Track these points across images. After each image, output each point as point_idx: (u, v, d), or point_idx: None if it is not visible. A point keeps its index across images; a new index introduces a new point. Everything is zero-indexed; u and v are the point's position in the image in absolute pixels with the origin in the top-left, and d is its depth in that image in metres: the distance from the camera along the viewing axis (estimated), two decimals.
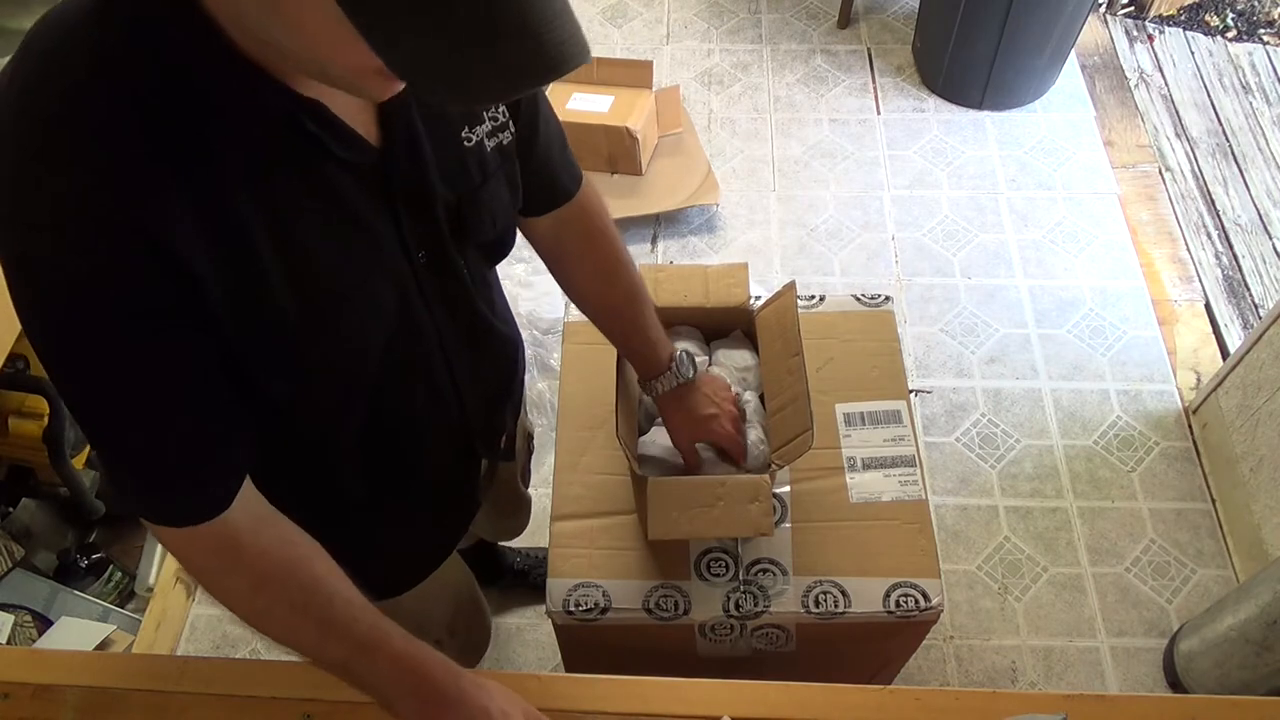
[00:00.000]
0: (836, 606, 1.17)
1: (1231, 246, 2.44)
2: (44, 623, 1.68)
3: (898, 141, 2.67)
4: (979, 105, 2.72)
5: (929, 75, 2.78)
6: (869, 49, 2.92)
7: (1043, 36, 2.51)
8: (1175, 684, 1.72)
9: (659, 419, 1.29)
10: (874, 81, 2.83)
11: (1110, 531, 1.95)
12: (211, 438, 0.72)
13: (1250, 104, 2.77)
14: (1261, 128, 2.71)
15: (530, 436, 1.43)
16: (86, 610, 1.75)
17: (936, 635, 1.82)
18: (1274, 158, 2.64)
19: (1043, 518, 1.97)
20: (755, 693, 0.95)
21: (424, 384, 0.90)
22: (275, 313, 0.69)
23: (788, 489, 1.26)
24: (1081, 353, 2.22)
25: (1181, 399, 2.14)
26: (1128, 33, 2.97)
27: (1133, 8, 3.01)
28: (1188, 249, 2.42)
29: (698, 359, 1.31)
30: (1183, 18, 3.01)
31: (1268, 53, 2.91)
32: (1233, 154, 2.65)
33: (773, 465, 1.13)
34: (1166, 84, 2.83)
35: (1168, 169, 2.61)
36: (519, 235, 0.98)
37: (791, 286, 1.25)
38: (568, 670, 1.35)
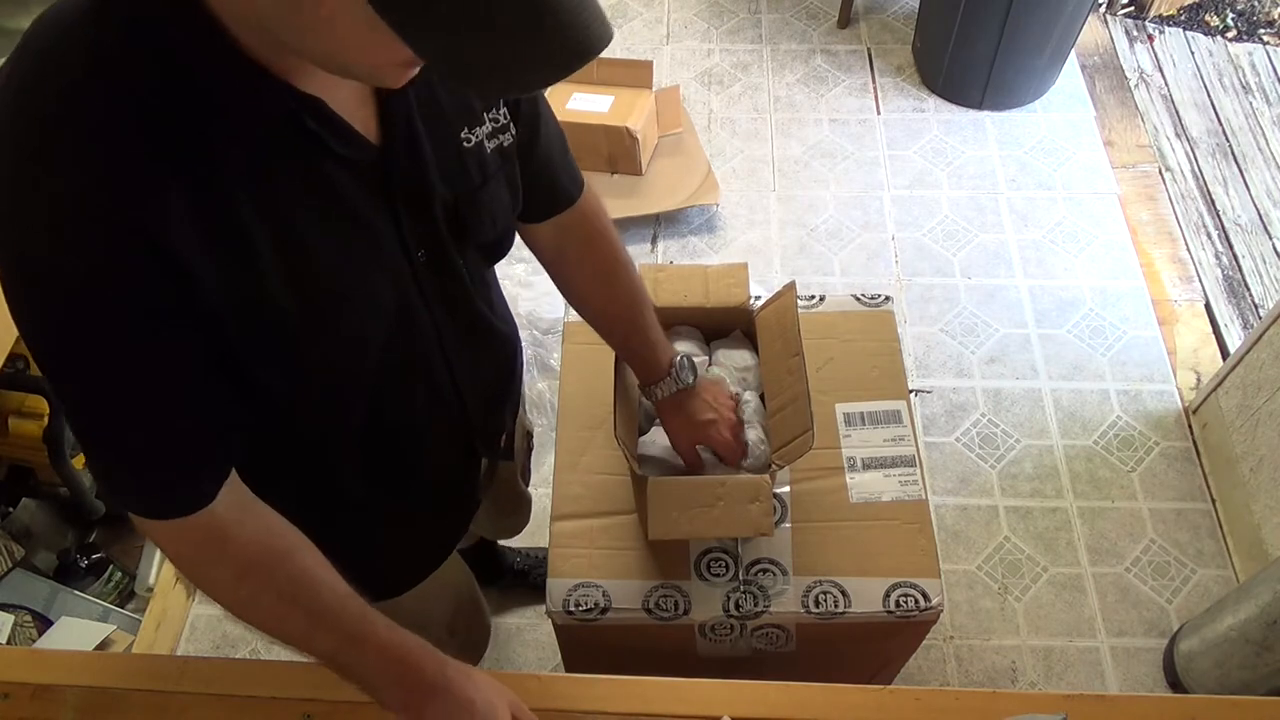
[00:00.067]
0: (836, 606, 1.17)
1: (1231, 246, 2.44)
2: (44, 623, 1.68)
3: (898, 141, 2.67)
4: (979, 105, 2.72)
5: (929, 75, 2.78)
6: (869, 49, 2.92)
7: (1043, 36, 2.51)
8: (1175, 684, 1.72)
9: (659, 419, 1.29)
10: (874, 81, 2.83)
11: (1110, 531, 1.95)
12: (204, 435, 0.72)
13: (1250, 104, 2.77)
14: (1261, 128, 2.71)
15: (529, 435, 1.43)
16: (86, 610, 1.75)
17: (936, 635, 1.82)
18: (1274, 158, 2.64)
19: (1043, 518, 1.97)
20: (755, 693, 0.95)
21: (424, 383, 0.90)
22: (275, 312, 0.69)
23: (788, 489, 1.26)
24: (1081, 353, 2.22)
25: (1181, 399, 2.14)
26: (1128, 33, 2.97)
27: (1133, 8, 3.01)
28: (1188, 249, 2.42)
29: (698, 359, 1.31)
30: (1183, 18, 3.01)
31: (1268, 53, 2.91)
32: (1233, 154, 2.65)
33: (773, 465, 1.13)
34: (1166, 84, 2.83)
35: (1168, 169, 2.61)
36: (517, 238, 0.98)
37: (791, 287, 1.25)
38: (568, 670, 1.35)
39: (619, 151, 2.43)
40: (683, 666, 1.03)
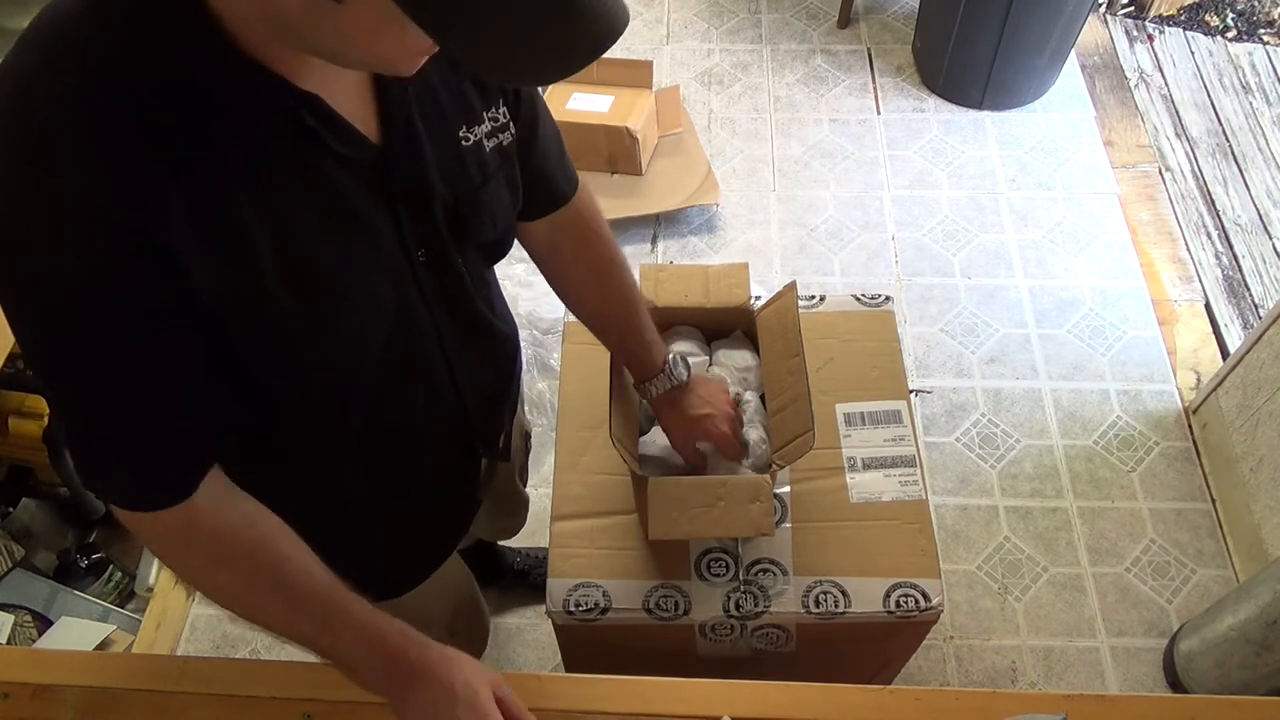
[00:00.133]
0: (836, 606, 1.17)
1: (1231, 246, 2.44)
2: (44, 623, 1.68)
3: (898, 141, 2.67)
4: (979, 105, 2.72)
5: (929, 75, 2.78)
6: (869, 49, 2.92)
7: (1043, 36, 2.51)
8: (1175, 684, 1.72)
9: (656, 418, 1.29)
10: (874, 81, 2.83)
11: (1110, 531, 1.95)
12: (196, 433, 0.73)
13: (1250, 104, 2.77)
14: (1261, 128, 2.71)
15: (527, 435, 1.43)
16: (86, 610, 1.75)
17: (936, 635, 1.82)
18: (1274, 158, 2.64)
19: (1043, 518, 1.97)
20: (755, 693, 0.95)
21: (424, 383, 0.90)
22: (275, 312, 0.69)
23: (788, 489, 1.26)
24: (1081, 353, 2.22)
25: (1181, 399, 2.14)
26: (1128, 33, 2.97)
27: (1133, 8, 3.01)
28: (1188, 249, 2.42)
29: (698, 359, 1.31)
30: (1183, 18, 3.01)
31: (1268, 53, 2.91)
32: (1233, 154, 2.65)
33: (774, 465, 1.13)
34: (1166, 84, 2.83)
35: (1168, 169, 2.61)
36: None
37: (792, 287, 1.25)
38: (568, 670, 1.35)
39: (619, 151, 2.43)
40: (683, 666, 1.03)
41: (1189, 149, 2.66)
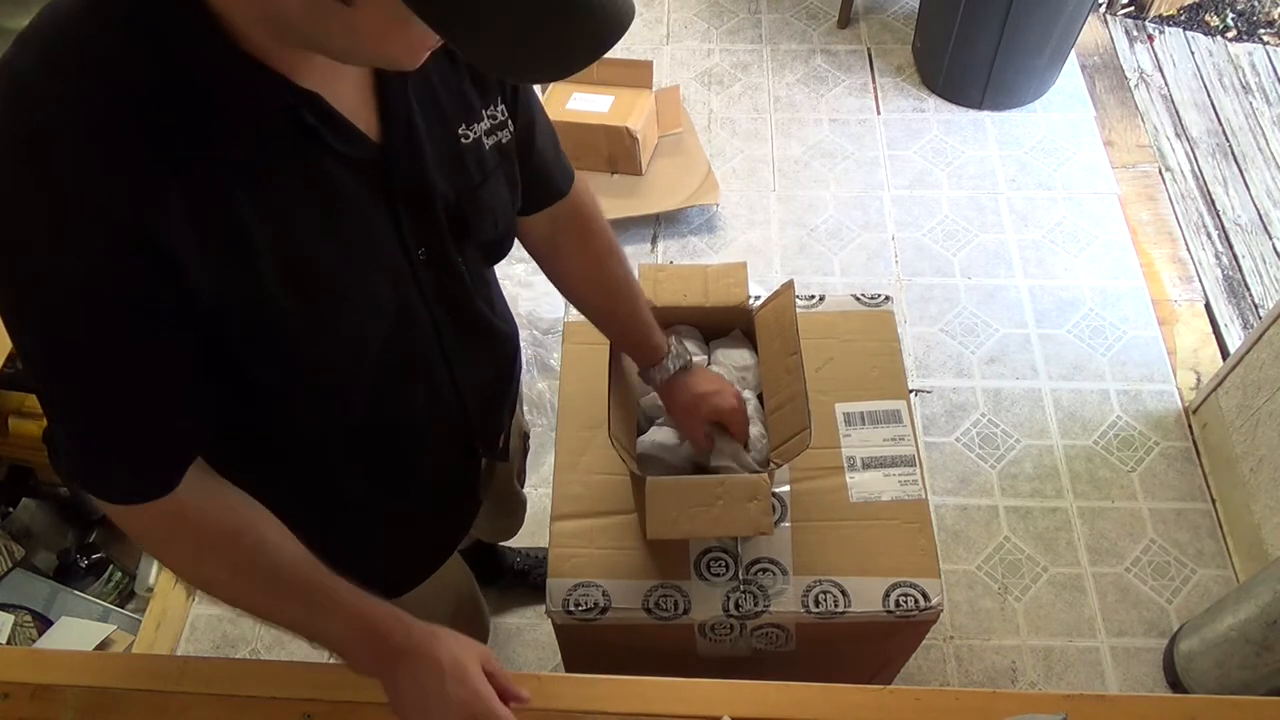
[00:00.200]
0: (836, 606, 1.17)
1: (1231, 246, 2.44)
2: (44, 623, 1.68)
3: (898, 141, 2.67)
4: (979, 105, 2.72)
5: (929, 75, 2.78)
6: (869, 49, 2.92)
7: (1043, 36, 2.51)
8: (1175, 684, 1.72)
9: (658, 419, 1.29)
10: (874, 81, 2.83)
11: (1110, 531, 1.95)
12: (187, 430, 0.73)
13: (1250, 104, 2.77)
14: (1261, 128, 2.70)
15: (526, 436, 1.43)
16: (86, 610, 1.75)
17: (936, 635, 1.82)
18: (1274, 158, 2.63)
19: (1043, 518, 1.97)
20: (755, 693, 0.95)
21: (424, 383, 0.90)
22: (275, 312, 0.69)
23: (787, 488, 1.26)
24: (1081, 353, 2.22)
25: (1181, 399, 2.13)
26: (1128, 33, 2.97)
27: (1133, 8, 3.01)
28: (1188, 249, 2.42)
29: (698, 359, 1.31)
30: (1183, 18, 3.01)
31: (1268, 53, 2.91)
32: (1233, 154, 2.65)
33: (772, 464, 1.13)
34: (1166, 84, 2.83)
35: (1168, 169, 2.61)
36: None
37: (789, 286, 1.25)
38: (568, 670, 1.35)
39: (619, 151, 2.43)
40: (683, 666, 1.03)
41: (1189, 149, 2.66)
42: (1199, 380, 2.16)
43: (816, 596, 1.17)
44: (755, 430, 1.20)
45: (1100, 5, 2.99)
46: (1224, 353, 2.21)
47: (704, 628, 1.19)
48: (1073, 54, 2.76)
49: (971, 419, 2.12)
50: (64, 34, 0.60)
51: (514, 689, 0.84)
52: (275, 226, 0.67)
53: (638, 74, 2.46)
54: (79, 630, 1.66)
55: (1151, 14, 2.99)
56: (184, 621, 1.86)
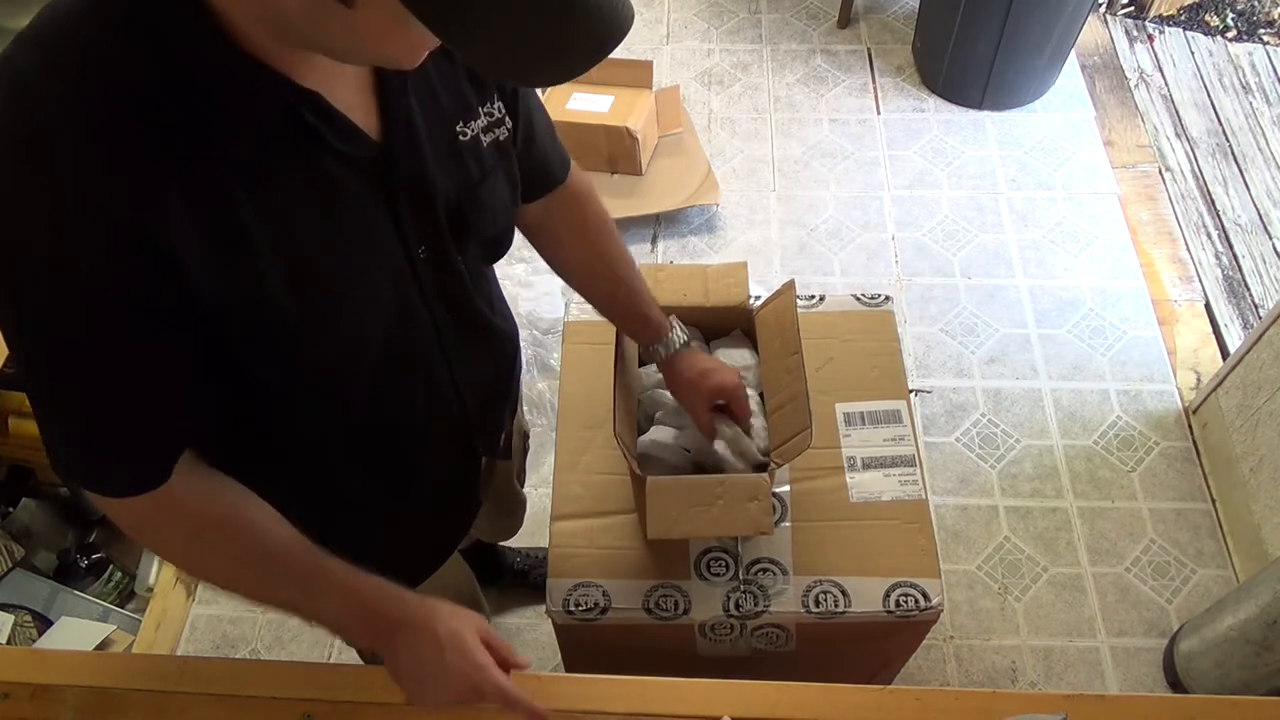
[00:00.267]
0: (836, 606, 1.17)
1: (1231, 246, 2.44)
2: (44, 623, 1.68)
3: (898, 141, 2.67)
4: (979, 105, 2.72)
5: (929, 75, 2.78)
6: (869, 49, 2.92)
7: (1043, 36, 2.51)
8: (1175, 684, 1.72)
9: (658, 418, 1.29)
10: (874, 81, 2.83)
11: (1110, 531, 1.95)
12: (184, 428, 0.73)
13: (1250, 104, 2.77)
14: (1261, 128, 2.70)
15: (526, 435, 1.43)
16: (86, 610, 1.75)
17: (936, 635, 1.82)
18: (1274, 158, 2.63)
19: (1043, 518, 1.97)
20: (755, 693, 0.95)
21: (424, 382, 0.90)
22: (275, 312, 0.69)
23: (787, 488, 1.26)
24: (1081, 353, 2.22)
25: (1181, 399, 2.13)
26: (1128, 33, 2.97)
27: (1133, 8, 3.01)
28: (1188, 249, 2.42)
29: None
30: (1183, 18, 3.01)
31: (1268, 53, 2.91)
32: (1233, 154, 2.65)
33: (772, 464, 1.13)
34: (1166, 84, 2.83)
35: (1168, 169, 2.61)
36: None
37: (790, 286, 1.25)
38: (568, 670, 1.35)
39: (619, 151, 2.43)
40: (683, 666, 1.03)
41: (1189, 149, 2.66)
42: (1199, 380, 2.17)
43: (817, 596, 1.17)
44: (759, 422, 1.20)
45: (1100, 5, 2.99)
46: (1224, 353, 2.21)
47: (704, 628, 1.19)
48: (1073, 54, 2.76)
49: (971, 419, 2.12)
50: (64, 34, 0.60)
51: (512, 656, 0.85)
52: (275, 226, 0.67)
53: (638, 74, 2.46)
54: (79, 630, 1.66)
55: (1151, 14, 2.99)
56: (184, 621, 1.86)
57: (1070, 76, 2.79)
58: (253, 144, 0.65)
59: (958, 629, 1.84)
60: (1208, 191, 2.56)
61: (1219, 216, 2.50)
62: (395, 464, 0.95)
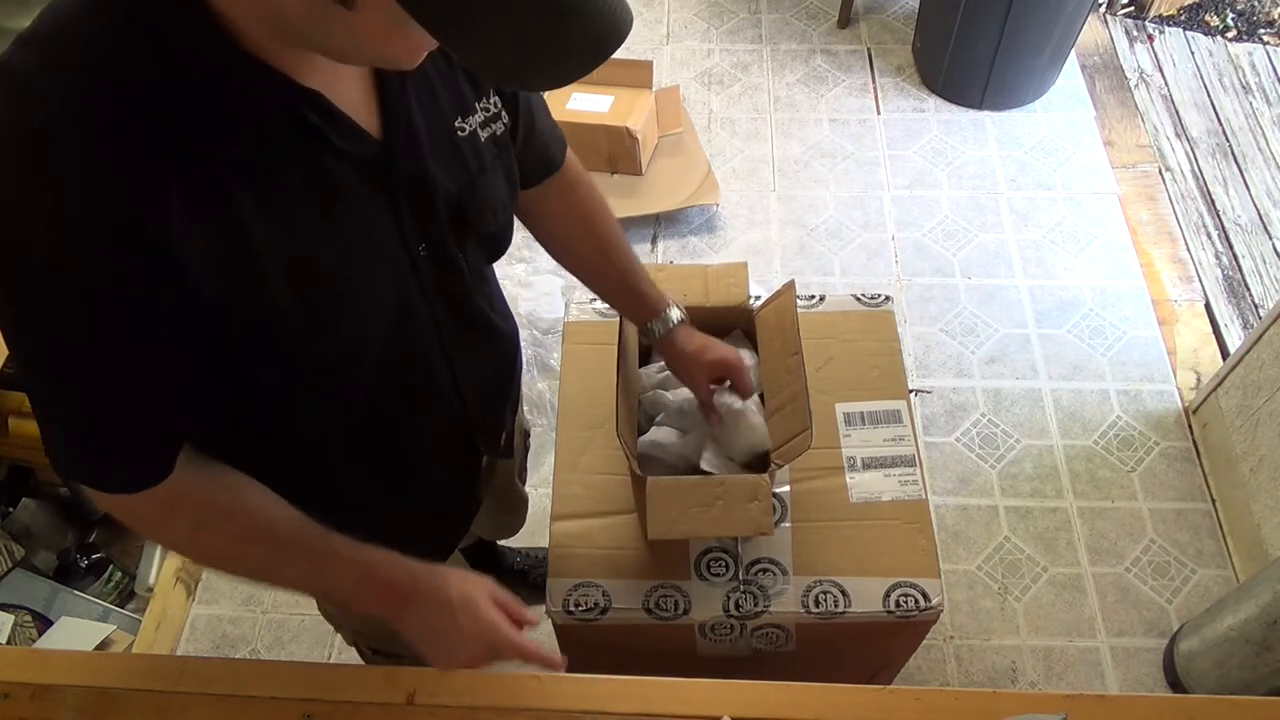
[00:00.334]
0: (836, 606, 1.17)
1: (1231, 246, 2.44)
2: (44, 623, 1.68)
3: (898, 141, 2.67)
4: (979, 105, 2.72)
5: (929, 75, 2.78)
6: (869, 49, 2.92)
7: (1043, 36, 2.51)
8: (1175, 684, 1.72)
9: (659, 419, 1.29)
10: (874, 81, 2.83)
11: (1110, 531, 1.95)
12: (184, 427, 0.74)
13: (1250, 104, 2.77)
14: (1261, 128, 2.70)
15: (526, 434, 1.43)
16: (86, 610, 1.75)
17: (936, 635, 1.82)
18: (1274, 158, 2.63)
19: (1043, 518, 1.97)
20: (755, 693, 0.95)
21: (424, 381, 0.90)
22: (275, 312, 0.69)
23: (787, 488, 1.26)
24: (1081, 353, 2.22)
25: (1181, 399, 2.13)
26: (1128, 33, 2.97)
27: (1133, 8, 3.01)
28: (1188, 249, 2.42)
29: None
30: (1183, 18, 3.01)
31: (1268, 53, 2.91)
32: (1233, 154, 2.65)
33: (772, 464, 1.13)
34: (1166, 84, 2.83)
35: (1168, 169, 2.61)
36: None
37: (790, 286, 1.25)
38: (568, 670, 1.35)
39: (619, 151, 2.43)
40: (683, 666, 1.02)
41: (1189, 149, 2.66)
42: (1199, 380, 2.17)
43: (816, 597, 1.17)
44: (757, 421, 1.20)
45: (1100, 5, 2.99)
46: (1224, 353, 2.21)
47: (704, 628, 1.19)
48: (1073, 54, 2.76)
49: (971, 419, 2.12)
50: (65, 34, 0.60)
51: (523, 613, 0.86)
52: (276, 226, 0.67)
53: (638, 74, 2.46)
54: (79, 630, 1.66)
55: (1151, 14, 2.99)
56: (184, 621, 1.86)
57: (1070, 76, 2.79)
58: (253, 144, 0.65)
59: (958, 629, 1.84)
60: (1208, 191, 2.56)
61: (1219, 216, 2.50)
62: (395, 463, 0.95)
